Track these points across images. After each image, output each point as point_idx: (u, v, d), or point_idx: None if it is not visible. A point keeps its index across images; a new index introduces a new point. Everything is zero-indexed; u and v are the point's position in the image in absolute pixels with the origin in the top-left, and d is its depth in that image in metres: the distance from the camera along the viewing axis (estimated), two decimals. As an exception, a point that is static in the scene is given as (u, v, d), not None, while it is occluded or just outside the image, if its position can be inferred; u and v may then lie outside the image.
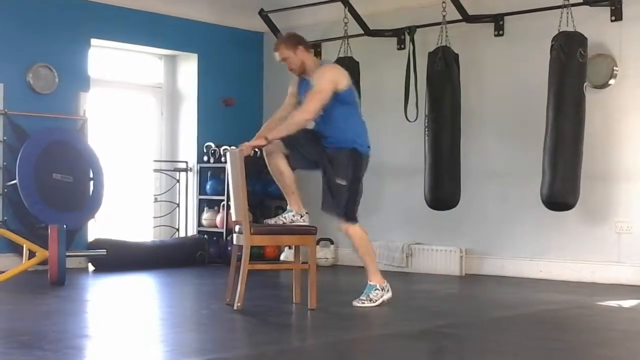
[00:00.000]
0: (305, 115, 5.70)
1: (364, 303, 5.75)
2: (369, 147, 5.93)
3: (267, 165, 5.88)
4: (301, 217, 5.85)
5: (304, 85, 5.90)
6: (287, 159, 5.83)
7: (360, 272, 8.13)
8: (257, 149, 6.03)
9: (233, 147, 5.91)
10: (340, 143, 5.82)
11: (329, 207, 5.86)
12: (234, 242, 5.80)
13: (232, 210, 5.78)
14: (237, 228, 5.71)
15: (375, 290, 5.80)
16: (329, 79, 5.74)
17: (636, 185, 7.13)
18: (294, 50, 5.84)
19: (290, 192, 5.87)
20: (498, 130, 7.86)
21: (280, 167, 5.83)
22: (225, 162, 6.27)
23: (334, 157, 5.83)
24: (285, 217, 5.83)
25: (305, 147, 5.84)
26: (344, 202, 5.81)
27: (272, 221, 5.86)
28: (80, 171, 8.01)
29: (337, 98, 5.74)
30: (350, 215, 5.84)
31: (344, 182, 5.79)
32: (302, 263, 5.85)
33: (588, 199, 7.14)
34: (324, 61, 6.23)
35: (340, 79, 5.80)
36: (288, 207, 5.89)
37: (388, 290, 5.86)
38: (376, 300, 5.78)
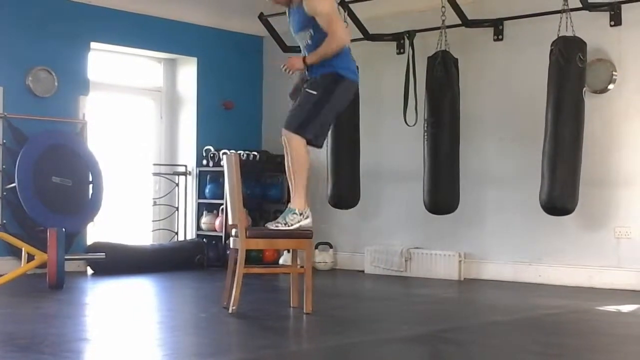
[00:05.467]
0: (342, 40, 5.39)
1: (278, 226, 5.52)
2: (354, 72, 5.58)
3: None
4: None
5: (292, 15, 5.65)
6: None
7: (358, 277, 8.19)
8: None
9: (232, 151, 5.90)
10: (322, 70, 5.50)
11: (288, 117, 5.51)
12: (231, 246, 5.76)
13: (229, 214, 5.76)
14: (233, 232, 5.69)
15: (293, 214, 5.54)
16: (328, 1, 5.45)
17: (635, 190, 7.13)
18: None
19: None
20: (497, 135, 7.86)
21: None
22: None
23: (312, 81, 5.54)
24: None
25: None
26: (306, 112, 5.45)
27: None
28: (80, 174, 8.01)
29: None
30: (304, 128, 5.45)
31: (314, 92, 5.46)
32: (300, 267, 5.82)
33: (587, 204, 7.13)
34: None
35: (333, 1, 5.54)
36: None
37: (307, 217, 5.57)
38: (291, 225, 5.52)
